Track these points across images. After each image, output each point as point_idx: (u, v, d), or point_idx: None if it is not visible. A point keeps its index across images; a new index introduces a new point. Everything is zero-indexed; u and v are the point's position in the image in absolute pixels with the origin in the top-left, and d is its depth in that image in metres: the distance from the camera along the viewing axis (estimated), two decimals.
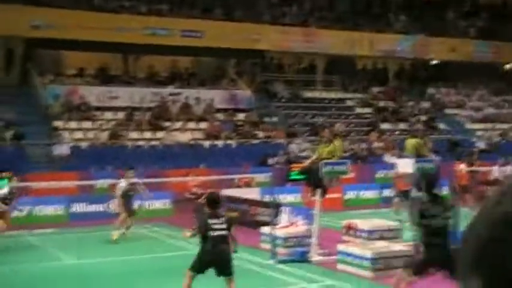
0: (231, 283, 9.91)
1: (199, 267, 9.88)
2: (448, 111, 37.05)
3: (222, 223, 9.90)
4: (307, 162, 16.02)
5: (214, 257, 9.81)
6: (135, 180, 17.62)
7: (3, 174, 17.01)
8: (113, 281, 12.66)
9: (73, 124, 27.32)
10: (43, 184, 20.58)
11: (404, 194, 19.50)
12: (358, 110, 34.95)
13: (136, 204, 17.99)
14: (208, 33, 31.38)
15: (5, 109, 26.35)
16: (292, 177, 25.11)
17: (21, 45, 29.03)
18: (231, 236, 10.09)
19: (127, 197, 17.14)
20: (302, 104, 33.86)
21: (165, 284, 12.24)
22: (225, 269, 9.84)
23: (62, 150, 24.94)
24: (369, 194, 24.40)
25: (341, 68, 36.13)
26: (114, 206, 17.83)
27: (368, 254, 12.66)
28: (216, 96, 30.95)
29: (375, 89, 36.78)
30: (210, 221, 9.87)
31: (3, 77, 28.65)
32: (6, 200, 16.23)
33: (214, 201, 10.32)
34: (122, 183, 17.21)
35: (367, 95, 36.13)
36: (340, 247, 13.49)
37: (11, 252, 15.76)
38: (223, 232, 9.87)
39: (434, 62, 39.03)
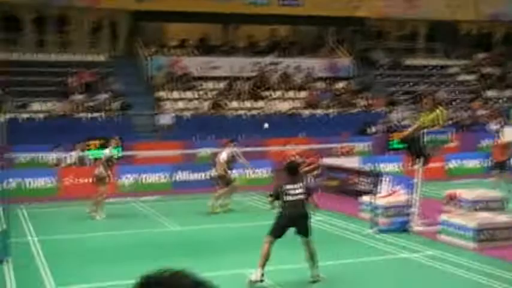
0: (309, 244, 10.24)
1: (277, 231, 10.25)
2: None
3: (299, 188, 10.34)
4: (408, 131, 15.83)
5: (292, 220, 10.24)
6: (235, 149, 17.92)
7: (113, 141, 17.62)
8: (215, 247, 13.04)
9: (176, 94, 28.02)
10: (148, 153, 21.27)
11: (501, 165, 19.02)
12: (462, 77, 34.01)
13: (235, 174, 18.28)
14: (307, 2, 31.27)
15: (112, 80, 27.31)
16: (393, 146, 24.90)
17: (126, 18, 29.93)
18: (312, 200, 10.49)
19: (228, 166, 17.46)
20: (403, 71, 33.28)
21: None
22: (302, 229, 10.24)
23: (165, 120, 25.67)
24: (472, 163, 23.88)
25: (443, 34, 35.18)
26: (217, 171, 17.91)
27: (472, 224, 12.48)
28: (316, 65, 30.90)
29: (480, 55, 35.61)
30: (287, 187, 10.33)
31: (109, 49, 29.63)
32: (109, 162, 16.85)
33: (293, 169, 10.86)
34: (224, 154, 17.52)
35: (471, 61, 35.04)
36: (443, 217, 13.35)
37: (121, 218, 16.46)
38: (301, 197, 10.29)
39: None
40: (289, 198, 10.30)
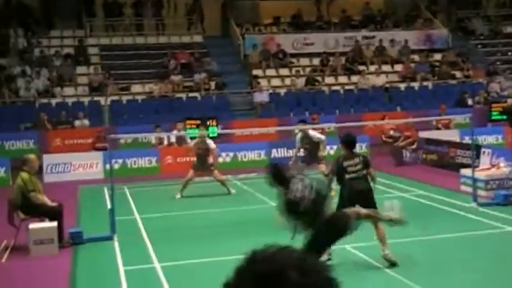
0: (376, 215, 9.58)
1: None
2: None
3: (357, 164, 9.79)
4: (510, 101, 15.41)
5: (353, 199, 9.54)
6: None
7: (211, 122, 17.98)
8: None
9: (271, 72, 28.22)
10: (246, 131, 21.55)
11: None
12: None
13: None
14: None
15: (208, 60, 27.79)
16: (494, 117, 24.27)
17: None
18: (370, 174, 9.97)
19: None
20: (503, 40, 32.18)
21: (362, 225, 12.52)
22: (368, 205, 9.51)
23: (261, 97, 25.93)
24: None
25: None
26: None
27: None
28: (411, 37, 30.34)
29: None
30: (345, 163, 9.80)
31: (204, 30, 30.12)
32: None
33: (349, 142, 10.13)
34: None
35: None
36: None
37: (220, 196, 16.84)
38: (360, 173, 9.79)
39: None
40: (348, 176, 9.75)
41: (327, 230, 7.53)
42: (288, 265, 1.68)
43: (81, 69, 26.95)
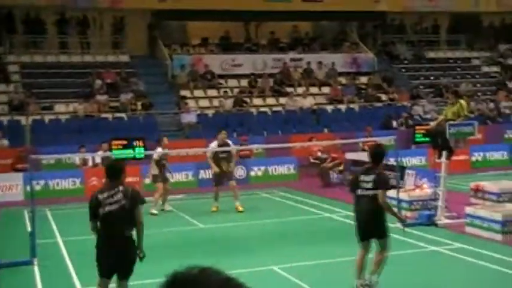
0: (383, 248, 9.09)
1: (357, 233, 9.15)
2: None
3: (369, 182, 8.83)
4: (432, 124, 15.76)
5: (358, 218, 9.04)
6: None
7: (137, 143, 17.75)
8: (242, 245, 13.08)
9: (199, 92, 28.10)
10: (173, 152, 21.33)
11: None
12: (485, 69, 33.73)
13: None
14: None
15: (135, 80, 27.47)
16: (417, 139, 24.79)
17: (147, 18, 30.07)
18: (381, 197, 8.78)
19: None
20: (426, 64, 33.10)
21: (290, 246, 12.52)
22: (371, 229, 8.92)
23: (189, 118, 25.76)
24: (497, 155, 23.68)
25: (466, 26, 34.91)
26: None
27: (498, 217, 12.39)
28: (338, 60, 30.80)
29: (503, 46, 35.26)
30: (361, 178, 8.98)
31: (131, 49, 29.78)
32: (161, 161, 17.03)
33: (375, 155, 9.12)
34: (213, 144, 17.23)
35: (494, 53, 34.73)
36: (469, 210, 13.26)
37: (153, 216, 16.54)
38: (369, 192, 8.82)
39: None
40: (360, 192, 8.95)
41: None
42: (213, 286, 1.61)
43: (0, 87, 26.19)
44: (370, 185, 8.79)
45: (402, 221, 9.48)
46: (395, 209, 9.17)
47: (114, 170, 8.07)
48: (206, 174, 21.46)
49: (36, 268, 11.35)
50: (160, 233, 14.47)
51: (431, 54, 33.90)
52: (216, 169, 16.75)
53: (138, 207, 7.84)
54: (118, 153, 20.91)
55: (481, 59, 34.28)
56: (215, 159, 16.72)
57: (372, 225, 8.91)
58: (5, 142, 22.79)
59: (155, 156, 17.14)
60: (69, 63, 28.16)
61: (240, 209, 16.65)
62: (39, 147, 20.30)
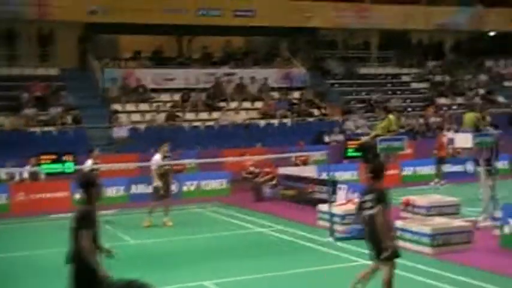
0: (383, 271, 8.56)
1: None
2: (507, 83, 36.17)
3: (370, 200, 8.45)
4: (364, 139, 15.96)
5: (367, 240, 8.69)
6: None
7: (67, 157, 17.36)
8: (172, 259, 12.89)
9: (130, 107, 27.75)
10: (104, 166, 20.97)
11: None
12: (414, 85, 34.50)
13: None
14: (260, 12, 31.37)
15: (65, 94, 26.93)
16: (349, 154, 25.09)
17: (78, 31, 29.56)
18: (379, 214, 8.28)
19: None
20: (357, 80, 33.62)
21: (222, 261, 12.41)
22: (375, 252, 8.52)
23: (120, 132, 25.39)
24: (427, 170, 24.12)
25: (396, 43, 35.69)
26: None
27: (427, 230, 12.58)
28: (271, 75, 30.95)
29: (431, 63, 36.18)
30: (365, 198, 8.58)
31: (61, 62, 29.19)
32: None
33: (376, 171, 8.65)
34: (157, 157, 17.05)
35: (423, 69, 35.59)
36: (399, 223, 13.42)
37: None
38: (370, 211, 8.40)
39: (492, 33, 38.14)
40: (364, 213, 8.54)
41: None
42: None
43: None
44: (369, 204, 8.41)
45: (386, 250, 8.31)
46: (390, 233, 8.48)
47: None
48: (138, 188, 21.17)
49: None
50: None
51: (363, 70, 34.47)
52: (159, 183, 16.56)
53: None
54: (47, 168, 20.44)
55: (411, 75, 35.06)
56: (160, 173, 16.55)
57: (374, 247, 8.51)
58: None
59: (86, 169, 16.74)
60: None
61: (170, 224, 16.49)
62: None
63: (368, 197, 8.43)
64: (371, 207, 8.34)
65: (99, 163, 17.18)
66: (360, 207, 8.62)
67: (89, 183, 7.45)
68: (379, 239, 8.30)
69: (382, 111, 15.79)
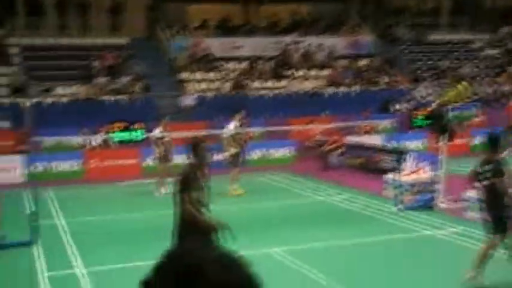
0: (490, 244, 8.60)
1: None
2: None
3: (488, 171, 8.41)
4: (432, 107, 15.73)
5: (484, 210, 8.71)
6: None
7: (137, 125, 17.75)
8: (243, 227, 13.07)
9: (198, 75, 28.04)
10: (173, 134, 21.33)
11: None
12: (487, 52, 33.61)
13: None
14: None
15: (135, 63, 27.41)
16: (417, 123, 24.79)
17: (147, 0, 29.93)
18: (501, 184, 8.33)
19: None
20: (426, 47, 32.98)
21: (289, 229, 12.55)
22: (493, 224, 8.50)
23: (188, 101, 25.73)
24: None
25: (468, 8, 34.77)
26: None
27: None
28: (338, 43, 30.71)
29: (504, 29, 35.12)
30: (483, 168, 8.54)
31: (131, 31, 29.67)
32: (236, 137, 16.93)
33: (493, 142, 8.68)
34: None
35: (496, 35, 34.60)
36: (468, 194, 13.27)
37: (144, 199, 16.59)
38: (489, 181, 8.43)
39: None
40: (483, 183, 8.59)
41: None
42: (208, 260, 1.60)
43: (1, 70, 26.11)
44: (488, 174, 8.44)
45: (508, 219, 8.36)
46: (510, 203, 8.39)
47: None
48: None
49: (37, 249, 11.40)
50: (155, 216, 14.51)
51: (433, 37, 33.76)
52: (237, 149, 16.76)
53: None
54: (118, 136, 20.97)
55: (483, 41, 34.14)
56: (236, 140, 16.64)
57: (491, 216, 8.54)
58: (7, 124, 22.80)
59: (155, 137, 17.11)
60: (69, 45, 28.05)
61: (240, 192, 16.68)
62: (40, 130, 20.30)
63: (486, 168, 8.44)
64: (490, 178, 8.39)
65: (167, 131, 17.47)
66: (477, 178, 8.61)
67: (196, 146, 7.75)
68: (499, 208, 8.36)
69: (452, 78, 15.44)
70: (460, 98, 14.26)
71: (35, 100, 24.34)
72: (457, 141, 16.21)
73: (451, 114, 14.35)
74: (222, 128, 17.31)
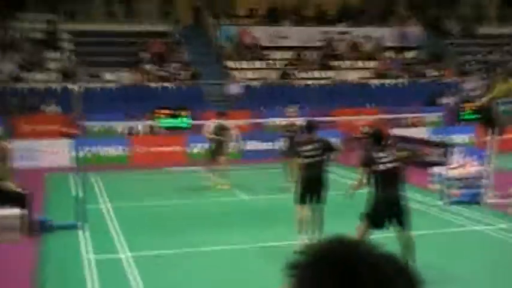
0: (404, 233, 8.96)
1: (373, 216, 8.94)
2: None
3: (388, 156, 9.01)
4: (481, 101, 15.49)
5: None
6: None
7: (183, 112, 17.81)
8: (281, 216, 13.10)
9: (244, 64, 28.08)
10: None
11: None
12: None
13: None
14: None
15: (182, 50, 27.57)
16: (464, 116, 24.44)
17: None
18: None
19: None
20: (475, 40, 32.43)
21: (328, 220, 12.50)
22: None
23: (234, 89, 25.80)
24: None
25: None
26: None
27: None
28: (386, 34, 30.41)
29: None
30: (377, 155, 9.02)
31: (178, 19, 29.84)
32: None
33: (379, 137, 9.44)
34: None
35: None
36: None
37: (192, 187, 16.72)
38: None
39: None
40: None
41: None
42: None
43: (51, 55, 26.53)
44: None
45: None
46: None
47: None
48: (250, 145, 21.55)
49: (83, 232, 11.59)
50: (203, 204, 14.64)
51: (482, 30, 33.19)
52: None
53: None
54: (164, 122, 21.15)
55: None
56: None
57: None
58: (57, 109, 23.20)
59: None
60: (116, 32, 28.34)
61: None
62: (88, 115, 20.59)
63: (384, 154, 8.97)
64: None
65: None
66: (374, 162, 8.92)
67: (312, 127, 10.57)
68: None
69: (503, 73, 15.17)
70: (510, 92, 13.97)
71: (83, 85, 24.66)
72: (506, 136, 15.94)
73: (501, 108, 14.09)
74: (268, 117, 17.23)
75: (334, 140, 22.08)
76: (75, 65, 25.58)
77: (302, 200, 10.19)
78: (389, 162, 8.80)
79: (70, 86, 24.32)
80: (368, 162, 8.94)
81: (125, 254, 10.25)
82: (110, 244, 10.92)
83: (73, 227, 11.82)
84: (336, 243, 1.44)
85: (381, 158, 8.78)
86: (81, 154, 13.30)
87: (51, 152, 20.11)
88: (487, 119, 14.23)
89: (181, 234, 11.56)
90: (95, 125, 20.92)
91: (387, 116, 20.46)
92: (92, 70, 25.91)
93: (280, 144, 16.85)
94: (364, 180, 9.09)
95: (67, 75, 25.20)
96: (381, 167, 8.76)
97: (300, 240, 9.81)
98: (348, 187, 9.59)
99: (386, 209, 8.78)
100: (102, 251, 10.47)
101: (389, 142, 10.47)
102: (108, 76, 26.01)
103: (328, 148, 10.50)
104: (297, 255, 1.44)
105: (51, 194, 15.66)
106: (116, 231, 11.83)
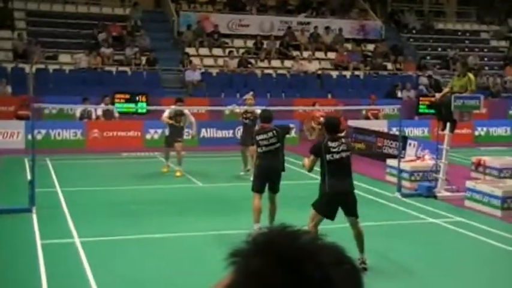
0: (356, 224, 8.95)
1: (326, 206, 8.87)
2: None
3: (340, 145, 8.82)
4: (437, 96, 15.63)
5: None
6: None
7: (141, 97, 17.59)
8: (238, 205, 13.06)
9: (204, 51, 27.90)
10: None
11: None
12: (493, 43, 33.47)
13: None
14: None
15: (141, 35, 27.24)
16: (421, 110, 24.72)
17: None
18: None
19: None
20: (434, 35, 32.81)
21: (285, 209, 12.49)
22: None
23: (193, 76, 25.60)
24: (501, 131, 23.62)
25: None
26: None
27: (498, 192, 12.36)
28: (346, 26, 30.53)
29: None
30: (330, 144, 8.79)
31: (138, 3, 29.47)
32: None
33: (333, 126, 9.10)
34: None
35: (504, 27, 34.41)
36: (469, 184, 13.24)
37: (147, 173, 16.56)
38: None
39: None
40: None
41: None
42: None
43: (4, 34, 25.94)
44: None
45: None
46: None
47: None
48: (208, 133, 21.45)
49: (34, 216, 11.36)
50: (157, 190, 14.51)
51: (440, 25, 33.59)
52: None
53: None
54: (120, 107, 20.88)
55: (490, 32, 33.97)
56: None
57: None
58: (8, 89, 22.70)
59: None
60: (75, 14, 27.89)
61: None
62: (42, 97, 20.21)
63: (336, 143, 8.81)
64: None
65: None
66: (326, 151, 8.76)
67: (268, 116, 10.60)
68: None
69: (460, 68, 15.31)
70: (466, 88, 14.11)
71: (37, 66, 24.21)
72: (460, 131, 16.17)
73: (455, 103, 14.23)
74: (226, 105, 17.13)
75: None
76: (29, 45, 25.04)
77: (258, 188, 10.15)
78: (342, 151, 8.76)
79: (22, 66, 23.90)
80: (316, 151, 8.85)
81: (76, 239, 10.08)
82: (61, 229, 10.72)
83: (24, 210, 11.57)
84: (277, 232, 1.44)
85: (333, 147, 8.74)
86: (35, 137, 13.03)
87: (4, 134, 19.69)
88: (442, 113, 14.35)
89: (134, 220, 11.42)
90: (50, 107, 20.53)
91: (345, 108, 20.54)
92: (47, 52, 25.44)
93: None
94: (308, 169, 9.10)
95: (20, 55, 24.67)
96: (334, 155, 8.72)
97: (255, 228, 9.75)
98: (302, 162, 9.54)
99: (337, 199, 8.76)
100: (54, 236, 10.27)
101: (343, 133, 10.47)
102: (64, 58, 25.57)
103: (284, 134, 10.57)
104: (240, 244, 1.42)
105: (3, 177, 15.34)
106: (69, 215, 11.62)
